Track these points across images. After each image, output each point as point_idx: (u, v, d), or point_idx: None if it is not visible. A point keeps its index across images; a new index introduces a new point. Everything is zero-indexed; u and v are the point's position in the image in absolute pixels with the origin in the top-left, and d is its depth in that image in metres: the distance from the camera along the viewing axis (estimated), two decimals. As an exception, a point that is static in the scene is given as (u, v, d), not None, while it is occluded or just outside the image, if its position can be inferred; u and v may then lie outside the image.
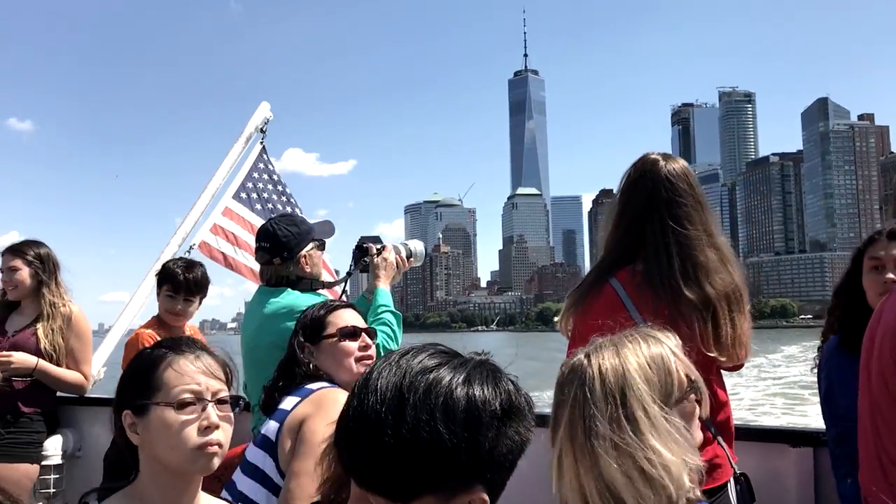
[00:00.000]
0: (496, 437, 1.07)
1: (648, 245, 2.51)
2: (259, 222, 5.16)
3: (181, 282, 4.06)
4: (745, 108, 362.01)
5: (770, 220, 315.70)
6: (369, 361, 2.45)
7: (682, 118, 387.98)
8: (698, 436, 1.59)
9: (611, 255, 2.61)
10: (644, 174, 2.59)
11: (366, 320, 3.13)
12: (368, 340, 2.50)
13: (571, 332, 2.60)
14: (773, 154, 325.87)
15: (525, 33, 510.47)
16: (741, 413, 27.22)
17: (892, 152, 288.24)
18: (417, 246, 3.76)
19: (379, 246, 3.58)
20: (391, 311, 3.32)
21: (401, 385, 1.06)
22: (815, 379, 2.87)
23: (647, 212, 2.54)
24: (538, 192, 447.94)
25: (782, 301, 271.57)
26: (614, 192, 2.75)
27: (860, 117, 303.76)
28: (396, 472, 1.04)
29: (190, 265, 4.20)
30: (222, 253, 5.24)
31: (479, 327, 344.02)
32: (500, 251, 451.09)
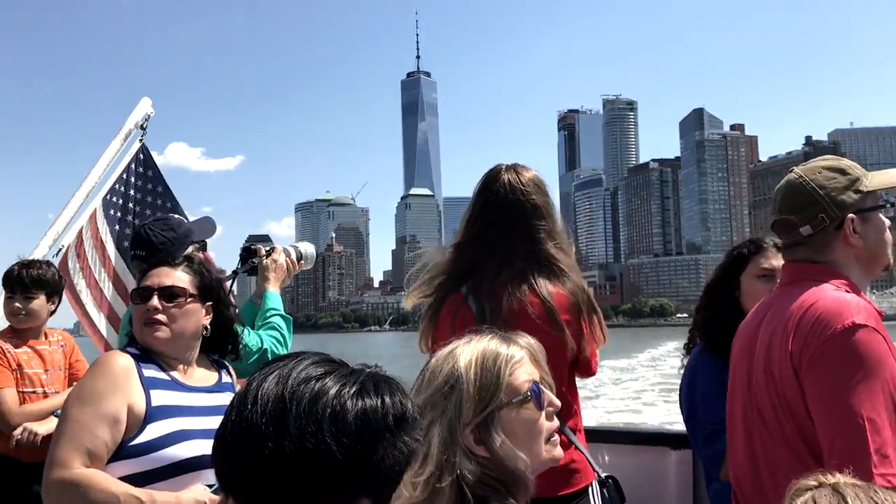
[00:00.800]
0: (386, 449, 1.03)
1: (481, 256, 2.57)
2: (109, 240, 4.86)
3: (14, 279, 3.73)
4: (627, 115, 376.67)
5: (650, 224, 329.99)
6: (156, 326, 2.29)
7: (569, 124, 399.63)
8: (537, 447, 1.53)
9: (459, 266, 2.64)
10: (484, 186, 2.66)
11: (253, 325, 3.05)
12: (155, 302, 2.30)
13: (432, 348, 2.58)
14: (653, 160, 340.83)
15: (417, 35, 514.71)
16: (627, 402, 29.18)
17: (761, 161, 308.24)
18: (308, 248, 3.65)
19: (268, 247, 3.45)
20: (281, 315, 3.23)
21: (283, 394, 1.01)
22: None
23: (484, 222, 2.61)
24: (431, 193, 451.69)
25: (661, 301, 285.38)
26: None
27: (732, 127, 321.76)
28: (278, 486, 0.99)
29: (30, 263, 3.87)
30: (69, 272, 4.75)
31: (373, 327, 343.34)
32: (393, 251, 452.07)
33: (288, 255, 3.48)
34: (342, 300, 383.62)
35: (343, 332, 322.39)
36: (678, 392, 2.97)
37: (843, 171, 2.04)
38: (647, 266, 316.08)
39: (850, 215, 2.00)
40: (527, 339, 1.61)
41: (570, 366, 2.50)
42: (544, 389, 1.54)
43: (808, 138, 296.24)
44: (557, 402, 1.57)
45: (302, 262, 3.58)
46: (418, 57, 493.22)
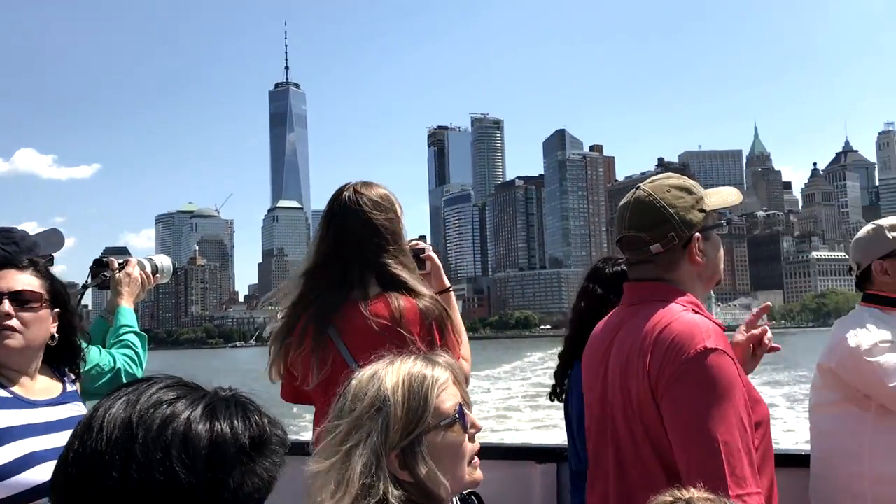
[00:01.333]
0: (242, 476, 0.98)
1: (326, 279, 2.58)
2: None
3: None
4: (494, 133, 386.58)
5: (515, 239, 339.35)
6: (7, 333, 2.12)
7: (438, 140, 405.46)
8: (461, 470, 1.53)
9: (306, 291, 2.64)
10: (328, 207, 2.67)
11: (104, 343, 2.93)
12: (7, 307, 2.12)
13: (284, 374, 2.65)
14: (519, 178, 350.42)
15: (286, 46, 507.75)
16: (497, 409, 30.43)
17: (618, 180, 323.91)
18: (164, 261, 3.50)
19: (121, 260, 3.27)
20: (135, 332, 3.06)
21: (130, 420, 0.95)
22: (553, 381, 3.10)
23: (328, 244, 2.62)
24: (299, 206, 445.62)
25: (525, 313, 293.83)
26: None
27: (591, 148, 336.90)
28: None
29: None
30: None
31: (238, 343, 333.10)
32: (259, 264, 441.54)
33: (143, 268, 3.30)
34: (206, 315, 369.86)
35: (207, 348, 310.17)
36: (564, 409, 3.01)
37: (689, 191, 2.09)
38: (513, 279, 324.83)
39: (697, 234, 2.05)
40: (446, 359, 1.59)
41: None
42: (467, 411, 1.54)
43: (661, 159, 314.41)
44: (479, 424, 1.58)
45: (158, 275, 3.42)
46: (287, 68, 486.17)
